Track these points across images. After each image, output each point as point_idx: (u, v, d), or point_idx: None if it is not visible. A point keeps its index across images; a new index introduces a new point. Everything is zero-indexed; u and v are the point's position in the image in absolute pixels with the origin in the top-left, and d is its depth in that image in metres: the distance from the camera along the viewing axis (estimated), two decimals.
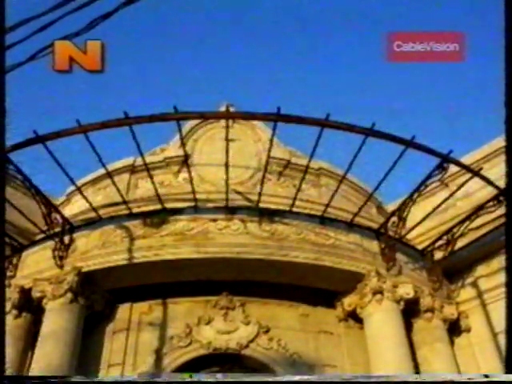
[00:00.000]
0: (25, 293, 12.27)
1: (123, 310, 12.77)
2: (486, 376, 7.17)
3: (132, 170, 15.05)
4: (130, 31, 38.89)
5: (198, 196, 12.66)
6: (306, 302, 13.12)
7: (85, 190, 14.39)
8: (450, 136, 36.50)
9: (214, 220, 12.52)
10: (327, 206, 12.84)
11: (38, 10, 6.84)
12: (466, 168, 12.33)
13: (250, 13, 42.25)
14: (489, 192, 12.26)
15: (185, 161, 13.40)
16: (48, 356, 11.07)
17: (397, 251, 12.84)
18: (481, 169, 12.59)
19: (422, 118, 41.18)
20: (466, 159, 13.82)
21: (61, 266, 12.16)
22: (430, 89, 43.30)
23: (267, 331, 12.46)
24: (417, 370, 11.81)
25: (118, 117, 10.46)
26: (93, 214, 13.00)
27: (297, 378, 7.06)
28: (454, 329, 13.19)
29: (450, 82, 43.77)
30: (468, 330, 13.28)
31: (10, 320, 11.86)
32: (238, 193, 13.52)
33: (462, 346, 13.16)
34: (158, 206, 12.68)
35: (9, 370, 10.40)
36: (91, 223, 12.92)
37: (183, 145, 13.29)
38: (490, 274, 13.14)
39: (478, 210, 12.42)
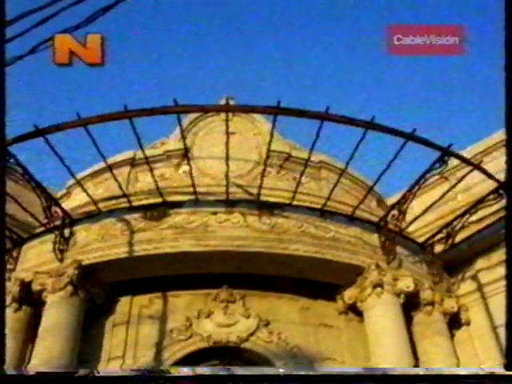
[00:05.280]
0: (25, 286, 12.27)
1: (123, 304, 12.78)
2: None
3: (132, 163, 15.05)
4: (130, 24, 38.86)
5: (198, 189, 12.65)
6: (306, 295, 13.13)
7: (85, 183, 14.38)
8: (450, 129, 36.52)
9: (214, 213, 12.52)
10: (327, 199, 12.84)
11: (38, 4, 6.82)
12: (466, 161, 12.32)
13: (250, 7, 42.20)
14: (489, 185, 12.25)
15: (185, 154, 13.38)
16: (48, 349, 11.10)
17: (397, 244, 12.84)
18: (481, 162, 12.60)
19: (423, 111, 41.19)
20: (466, 152, 13.80)
21: (61, 260, 12.17)
22: (429, 82, 43.30)
23: (267, 324, 12.47)
24: (417, 363, 11.80)
25: (118, 110, 10.46)
26: (93, 207, 12.99)
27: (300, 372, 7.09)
28: (454, 322, 13.19)
29: (449, 76, 43.77)
30: (468, 324, 13.28)
31: (10, 313, 11.82)
32: (238, 186, 13.51)
33: (462, 339, 13.17)
34: (159, 199, 12.68)
35: (8, 363, 10.40)
36: (91, 216, 12.93)
37: (183, 138, 13.27)
38: (490, 268, 13.14)
39: (478, 203, 12.43)
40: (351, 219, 13.09)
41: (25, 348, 12.05)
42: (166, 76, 47.73)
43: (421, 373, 7.80)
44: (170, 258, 12.19)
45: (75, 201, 14.80)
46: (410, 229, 13.78)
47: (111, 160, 13.81)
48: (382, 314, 12.00)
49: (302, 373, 7.37)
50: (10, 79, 7.33)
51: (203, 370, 7.28)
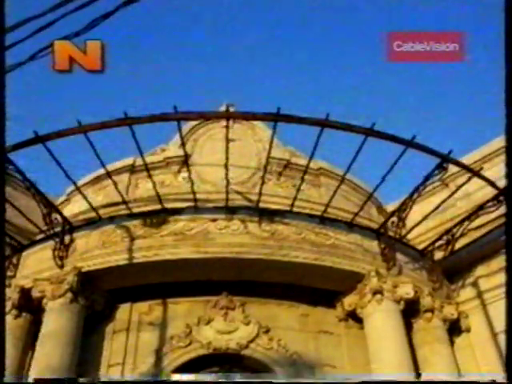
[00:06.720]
0: (25, 293, 12.25)
1: (123, 310, 12.76)
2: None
3: (132, 170, 15.04)
4: (130, 31, 38.90)
5: (197, 196, 12.65)
6: (305, 301, 13.11)
7: (85, 189, 14.35)
8: (450, 136, 36.53)
9: (214, 220, 12.52)
10: (327, 206, 12.83)
11: (38, 10, 6.83)
12: (466, 168, 12.32)
13: (250, 13, 42.29)
14: (488, 192, 12.26)
15: (185, 161, 13.40)
16: (48, 356, 11.07)
17: (397, 251, 12.84)
18: (481, 169, 12.60)
19: (422, 117, 41.23)
20: (466, 159, 13.81)
21: (61, 266, 12.15)
22: (429, 89, 43.34)
23: (267, 331, 12.44)
24: (417, 370, 11.78)
25: (117, 117, 10.47)
26: (93, 214, 12.99)
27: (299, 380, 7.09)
28: (454, 329, 13.17)
29: (449, 82, 43.83)
30: (468, 330, 13.26)
31: (10, 320, 11.84)
32: (238, 193, 13.50)
33: (461, 346, 13.14)
34: (158, 206, 12.68)
35: (8, 370, 10.39)
36: (91, 223, 12.92)
37: (183, 145, 13.27)
38: (489, 274, 13.13)
39: (478, 210, 12.43)
40: (351, 226, 13.08)
41: (25, 355, 12.04)
42: (166, 82, 47.76)
43: (419, 380, 7.81)
44: (170, 265, 12.18)
45: (75, 207, 14.78)
46: (410, 236, 13.77)
47: (111, 167, 13.82)
48: (382, 320, 11.98)
49: (302, 381, 7.38)
50: (10, 86, 7.34)
51: (203, 377, 7.28)
